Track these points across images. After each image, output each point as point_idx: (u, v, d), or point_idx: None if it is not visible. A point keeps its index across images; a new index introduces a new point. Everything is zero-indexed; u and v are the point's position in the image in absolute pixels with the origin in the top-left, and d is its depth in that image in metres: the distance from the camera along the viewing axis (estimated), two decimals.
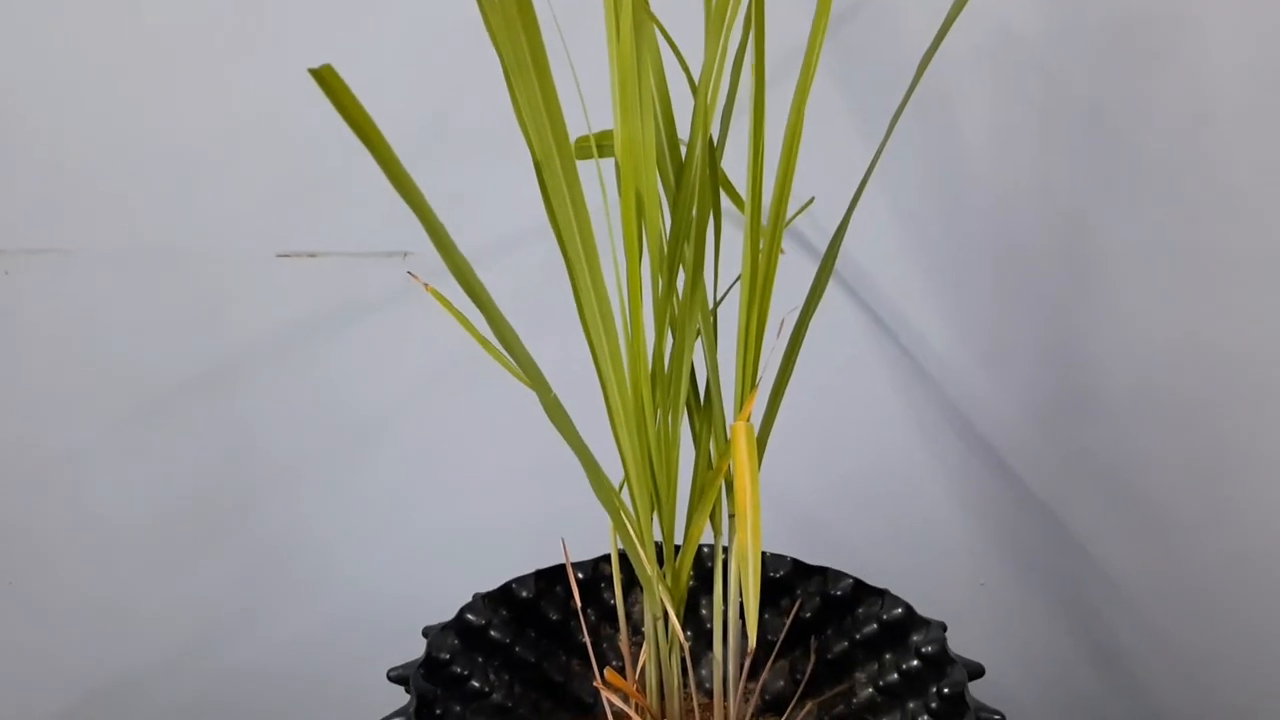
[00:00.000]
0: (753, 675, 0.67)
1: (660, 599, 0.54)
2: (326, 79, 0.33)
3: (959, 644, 0.85)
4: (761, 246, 0.55)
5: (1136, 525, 0.82)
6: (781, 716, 0.68)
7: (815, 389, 0.77)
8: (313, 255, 0.81)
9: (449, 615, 0.83)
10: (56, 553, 0.86)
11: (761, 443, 0.57)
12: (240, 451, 0.85)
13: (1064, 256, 0.78)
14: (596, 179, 0.54)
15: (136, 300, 0.81)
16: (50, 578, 0.87)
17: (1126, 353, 0.79)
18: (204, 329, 0.82)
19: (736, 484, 0.49)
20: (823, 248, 0.71)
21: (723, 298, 0.61)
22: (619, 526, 0.53)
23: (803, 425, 0.72)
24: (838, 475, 0.85)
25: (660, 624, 0.55)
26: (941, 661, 0.57)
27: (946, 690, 0.55)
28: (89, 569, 0.86)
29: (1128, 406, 0.80)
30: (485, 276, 0.42)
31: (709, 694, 0.69)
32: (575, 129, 0.50)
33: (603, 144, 0.59)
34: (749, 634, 0.50)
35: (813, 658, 0.66)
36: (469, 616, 0.62)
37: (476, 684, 0.61)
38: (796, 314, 0.57)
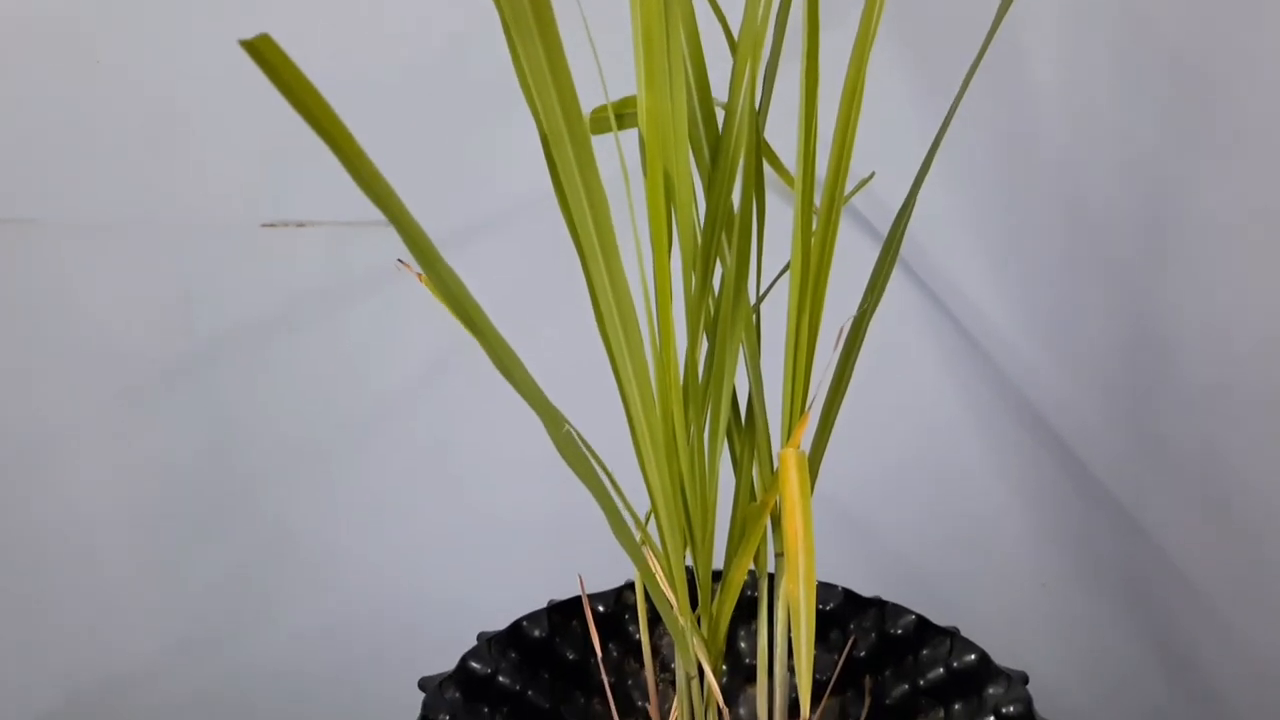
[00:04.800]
0: (796, 713, 0.59)
1: (695, 656, 0.46)
2: (262, 51, 0.25)
3: (1018, 649, 0.78)
4: (814, 231, 0.46)
5: (1215, 522, 0.74)
6: None
7: (860, 371, 0.70)
8: (300, 225, 0.74)
9: (453, 614, 0.77)
10: (41, 545, 0.81)
11: (814, 468, 0.48)
12: (229, 439, 0.78)
13: (1141, 225, 0.70)
14: (617, 157, 0.45)
15: (112, 274, 0.74)
16: (37, 572, 0.82)
17: (1207, 333, 0.70)
18: (185, 305, 0.75)
19: (785, 519, 0.41)
20: (882, 229, 0.62)
21: (765, 293, 0.52)
22: (646, 576, 0.44)
23: (845, 411, 0.66)
24: (883, 467, 0.77)
25: (695, 683, 0.47)
26: None
27: None
28: (76, 562, 0.81)
29: (1207, 392, 0.71)
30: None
31: None
32: (591, 98, 0.41)
33: (623, 114, 0.50)
34: (804, 707, 0.42)
35: (868, 700, 0.58)
36: (472, 664, 0.54)
37: None
38: (852, 312, 0.49)
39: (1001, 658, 0.55)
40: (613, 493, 0.43)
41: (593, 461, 0.42)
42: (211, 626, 0.83)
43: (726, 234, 0.44)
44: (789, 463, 0.41)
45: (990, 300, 0.72)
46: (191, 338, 0.75)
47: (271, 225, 0.73)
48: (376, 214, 0.35)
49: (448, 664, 0.54)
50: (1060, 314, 0.72)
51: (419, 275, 0.44)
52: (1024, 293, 0.72)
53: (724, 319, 0.44)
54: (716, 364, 0.45)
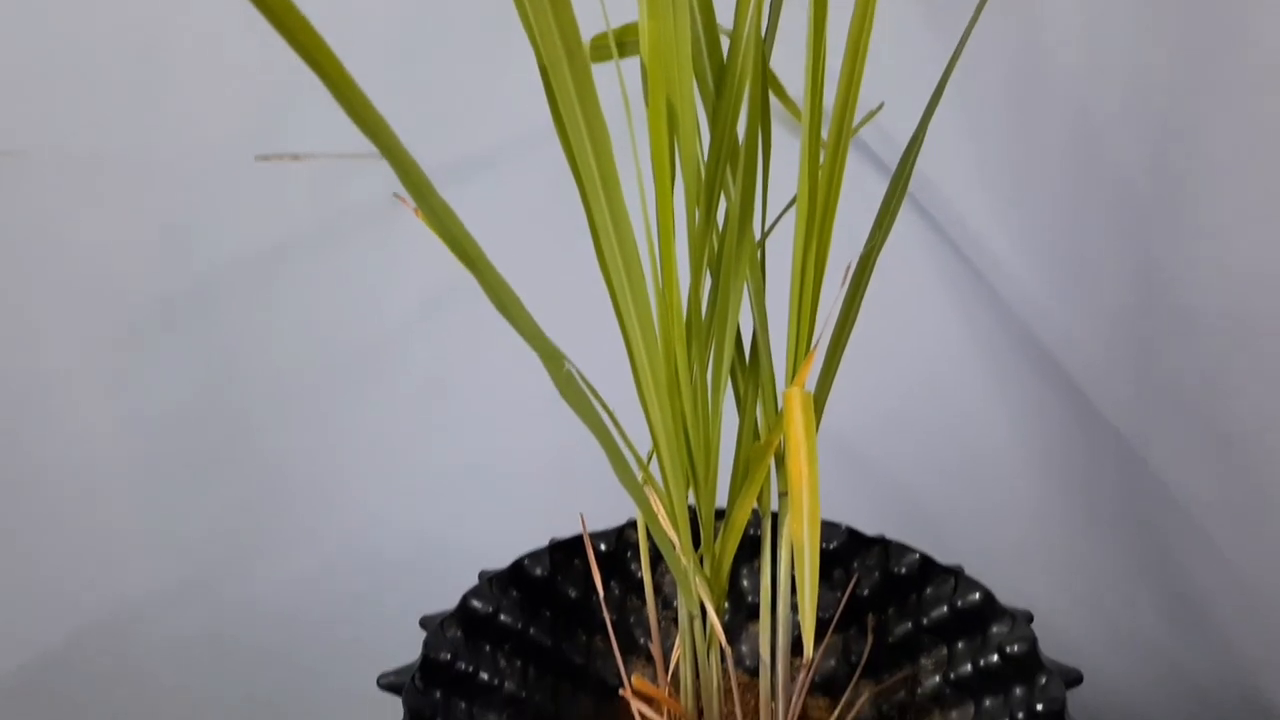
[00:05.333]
0: (799, 651, 0.59)
1: (697, 595, 0.46)
2: None
3: (1018, 590, 0.77)
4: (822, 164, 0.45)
5: (1225, 466, 0.73)
6: (831, 698, 0.60)
7: (865, 308, 0.69)
8: (296, 158, 0.72)
9: (454, 553, 0.76)
10: (38, 485, 0.80)
11: (819, 407, 0.47)
12: (226, 378, 0.77)
13: (1153, 158, 0.67)
14: (618, 86, 0.44)
15: (101, 208, 0.72)
16: (34, 512, 0.81)
17: (1217, 266, 0.68)
18: (178, 241, 0.73)
19: (790, 459, 0.40)
20: (891, 163, 0.61)
21: (771, 228, 0.50)
22: (648, 516, 0.44)
23: (850, 348, 0.65)
24: (888, 405, 0.76)
25: (697, 622, 0.47)
26: (1030, 666, 0.48)
27: (1041, 707, 0.46)
28: (74, 502, 0.81)
29: (1216, 326, 0.70)
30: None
31: (749, 671, 0.62)
32: (591, 25, 0.40)
33: (625, 42, 0.48)
34: (806, 646, 0.42)
35: (870, 638, 0.58)
36: (474, 603, 0.53)
37: (485, 676, 0.53)
38: (859, 248, 0.47)
39: (1004, 594, 0.54)
40: (614, 433, 0.42)
41: (594, 401, 0.42)
42: (211, 566, 0.83)
43: (731, 167, 0.43)
44: (794, 402, 0.40)
45: (998, 235, 0.70)
46: (185, 274, 0.74)
47: (265, 158, 0.71)
48: (373, 146, 0.34)
49: (449, 603, 0.54)
50: (1069, 248, 0.70)
51: (415, 210, 0.43)
52: (1032, 227, 0.70)
53: (728, 255, 0.43)
54: (720, 301, 0.43)
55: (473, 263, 0.36)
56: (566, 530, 0.59)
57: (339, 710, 0.83)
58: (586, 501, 0.56)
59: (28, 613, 0.85)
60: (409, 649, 0.51)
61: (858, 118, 0.47)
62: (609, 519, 0.61)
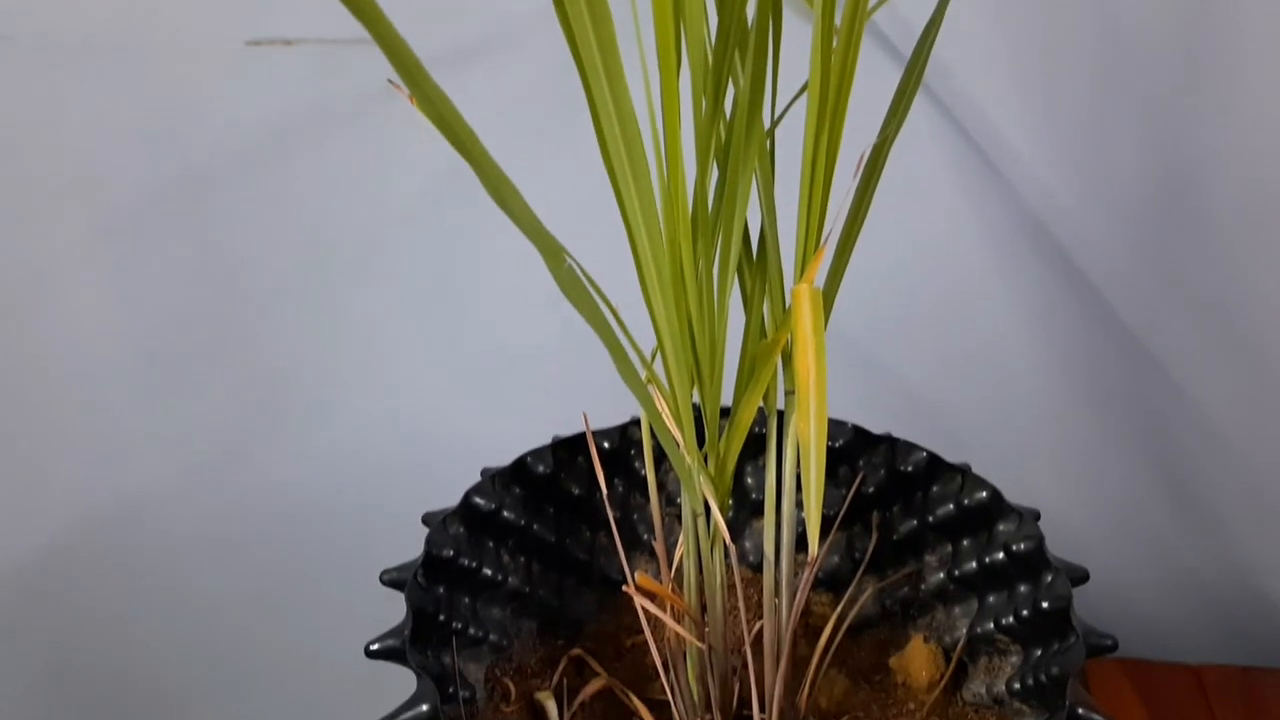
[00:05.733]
0: (802, 548, 0.59)
1: (701, 494, 0.45)
2: None
3: (1024, 482, 0.77)
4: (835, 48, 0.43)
5: (1238, 365, 0.72)
6: (835, 594, 0.60)
7: (877, 201, 0.67)
8: (289, 43, 0.69)
9: (457, 451, 0.75)
10: (39, 381, 0.80)
11: (828, 304, 0.46)
12: (220, 271, 0.76)
13: (1177, 53, 0.65)
14: None
15: (89, 96, 0.70)
16: (25, 407, 0.81)
17: (1244, 164, 0.67)
18: (168, 130, 0.72)
19: (797, 358, 0.39)
20: (906, 50, 0.58)
21: (780, 117, 0.48)
22: (652, 415, 0.43)
23: (860, 243, 0.63)
24: (898, 301, 0.74)
25: (701, 520, 0.46)
26: (1036, 564, 0.48)
27: (1046, 605, 0.46)
28: (70, 399, 0.81)
29: (1235, 224, 0.68)
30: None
31: (753, 567, 0.62)
32: None
33: None
34: (811, 544, 0.41)
35: (875, 534, 0.58)
36: (476, 500, 0.53)
37: (489, 572, 0.53)
38: (873, 139, 0.46)
39: (1012, 492, 0.54)
40: (617, 330, 0.41)
41: (596, 298, 0.40)
42: (212, 462, 0.83)
43: (740, 52, 0.41)
44: (802, 299, 0.39)
45: (1016, 128, 0.68)
46: (176, 164, 0.72)
47: (257, 43, 0.69)
48: (365, 31, 0.32)
49: (451, 500, 0.54)
50: (1089, 143, 0.68)
51: (409, 96, 0.41)
52: (1052, 120, 0.68)
53: (736, 145, 0.41)
54: (728, 194, 0.42)
55: (469, 152, 0.34)
56: (571, 427, 0.58)
57: (342, 607, 0.83)
58: (590, 398, 0.56)
59: (26, 513, 0.85)
60: (412, 546, 0.51)
61: (872, 1, 0.45)
62: (614, 414, 0.60)
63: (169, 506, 0.85)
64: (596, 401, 0.54)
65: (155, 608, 0.90)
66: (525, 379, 0.78)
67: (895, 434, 0.58)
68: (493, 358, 0.78)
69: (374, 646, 0.43)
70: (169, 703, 0.96)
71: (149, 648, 0.93)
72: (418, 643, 0.44)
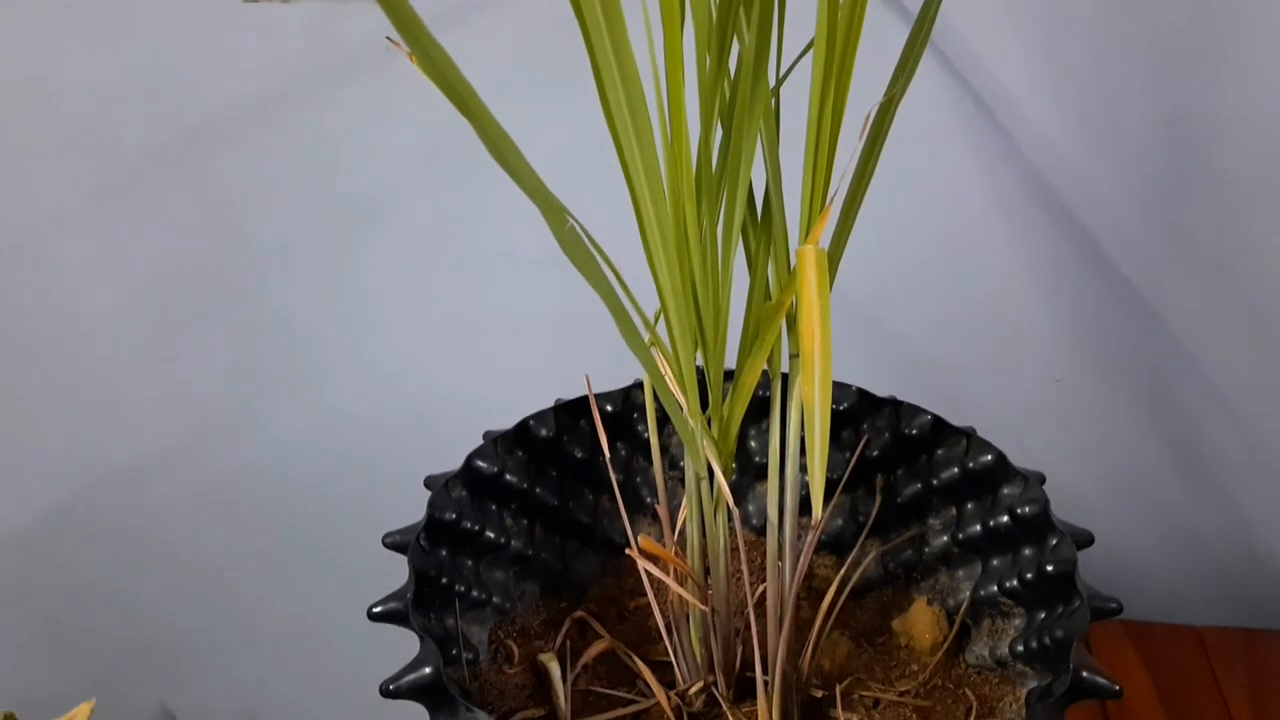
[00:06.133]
0: (806, 511, 0.59)
1: (705, 458, 0.45)
2: None
3: (1025, 444, 0.76)
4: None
5: (1244, 327, 0.72)
6: (838, 556, 0.60)
7: (882, 164, 0.66)
8: (285, 0, 0.68)
9: (459, 412, 0.75)
10: (41, 339, 0.80)
11: (833, 266, 0.46)
12: (222, 229, 0.76)
13: (1192, 19, 0.64)
14: None
15: (87, 51, 0.70)
16: (30, 367, 0.81)
17: (1258, 125, 0.66)
18: (167, 87, 0.71)
19: (802, 320, 0.39)
20: (913, 7, 0.57)
21: (786, 74, 0.48)
22: (655, 379, 0.42)
23: (865, 203, 0.62)
24: (903, 261, 0.74)
25: (704, 484, 0.46)
26: (1041, 528, 0.48)
27: (1051, 568, 0.45)
28: (69, 357, 0.80)
29: (1242, 183, 0.68)
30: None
31: (756, 530, 0.62)
32: None
33: None
34: (815, 510, 0.41)
35: (878, 497, 0.58)
36: (479, 463, 0.53)
37: (491, 535, 0.53)
38: (879, 98, 0.45)
39: (1016, 453, 0.53)
40: (620, 292, 0.41)
41: (599, 258, 0.40)
42: (213, 422, 0.82)
43: (745, 8, 0.40)
44: (807, 260, 0.39)
45: (1025, 86, 0.67)
46: (175, 121, 0.71)
47: (254, 0, 0.68)
48: None
49: (454, 459, 0.53)
50: (1099, 101, 0.67)
51: (409, 54, 0.40)
52: (1062, 77, 0.67)
53: (741, 104, 0.40)
54: (732, 153, 0.41)
55: (470, 110, 0.34)
56: (574, 386, 0.58)
57: (346, 566, 0.84)
58: (593, 357, 0.55)
59: (29, 473, 0.85)
60: (415, 506, 0.51)
61: None
62: (616, 375, 0.60)
63: (173, 465, 0.85)
64: (602, 362, 0.54)
65: (159, 568, 0.91)
66: (528, 337, 0.78)
67: (900, 397, 0.57)
68: (496, 318, 0.77)
69: (376, 609, 0.43)
70: (174, 660, 0.97)
71: (153, 606, 0.93)
72: (420, 605, 0.44)
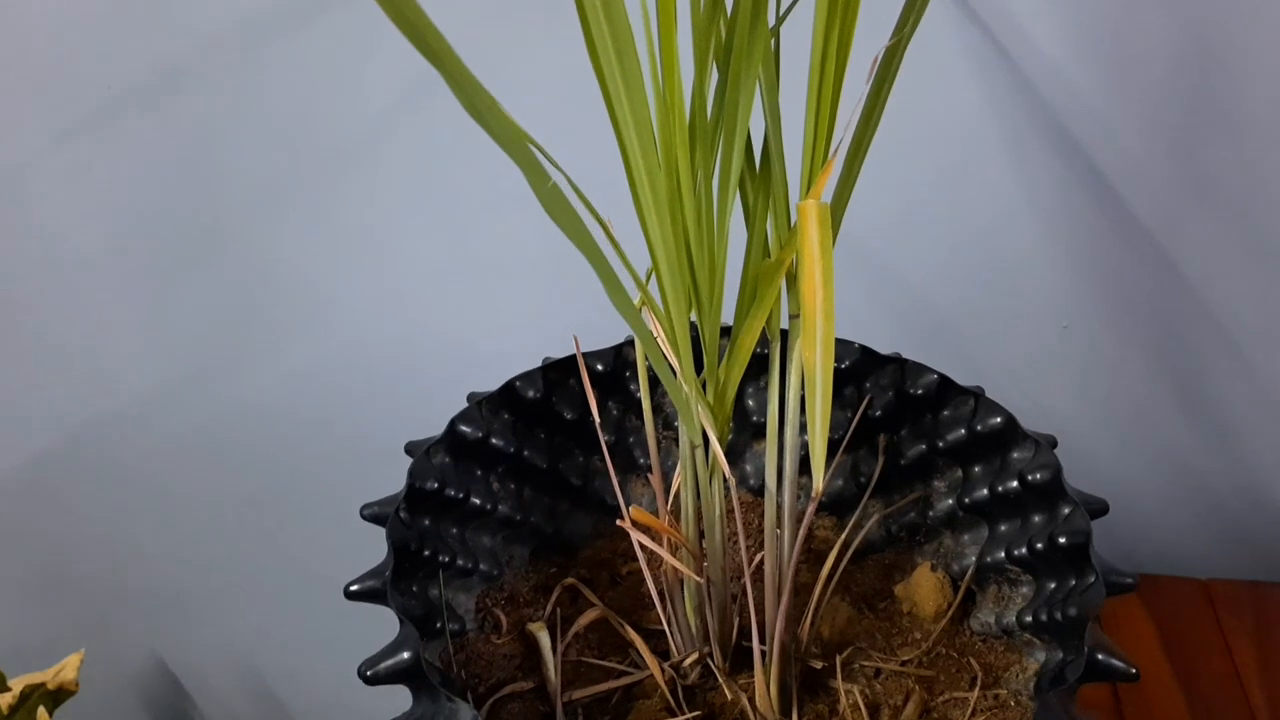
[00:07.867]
0: (804, 470, 0.56)
1: (699, 424, 0.42)
2: None
3: (1032, 391, 0.74)
4: None
5: (1260, 273, 0.69)
6: (839, 518, 0.58)
7: (889, 104, 0.63)
8: None
9: (447, 359, 0.72)
10: (9, 284, 0.77)
11: (836, 221, 0.43)
12: (202, 172, 0.73)
13: None
14: None
15: None
16: (7, 311, 0.78)
17: (1264, 58, 0.63)
18: (142, 24, 0.67)
19: (803, 279, 0.36)
20: None
21: (787, 12, 0.44)
22: (647, 343, 0.40)
23: (869, 153, 0.59)
24: (910, 209, 0.71)
25: (699, 450, 0.44)
26: (1053, 495, 0.45)
27: (1064, 540, 0.43)
28: (49, 304, 0.78)
29: (1259, 121, 0.65)
30: None
31: (753, 491, 0.59)
32: None
33: None
34: (815, 478, 0.39)
35: (881, 458, 0.55)
36: (462, 428, 0.50)
37: (477, 501, 0.50)
38: (886, 40, 0.42)
39: (1025, 408, 0.51)
40: (609, 251, 0.38)
41: (586, 215, 0.37)
42: (198, 368, 0.80)
43: None
44: (809, 216, 0.36)
45: (1037, 20, 0.63)
46: (151, 57, 0.68)
47: None
48: None
49: (439, 412, 0.51)
50: (1113, 36, 0.63)
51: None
52: (1075, 11, 0.63)
53: (738, 46, 0.37)
54: (729, 100, 0.38)
55: (438, 58, 0.30)
56: (563, 339, 0.55)
57: (334, 512, 0.82)
58: (584, 305, 0.52)
59: (20, 415, 0.83)
60: (399, 452, 0.49)
61: None
62: (610, 330, 0.57)
63: (156, 413, 0.83)
64: (594, 313, 0.51)
65: (147, 514, 0.89)
66: (516, 284, 0.75)
67: (905, 353, 0.55)
68: (485, 263, 0.75)
69: (354, 587, 0.41)
70: (164, 607, 0.96)
71: (142, 553, 0.92)
72: (400, 581, 0.42)
